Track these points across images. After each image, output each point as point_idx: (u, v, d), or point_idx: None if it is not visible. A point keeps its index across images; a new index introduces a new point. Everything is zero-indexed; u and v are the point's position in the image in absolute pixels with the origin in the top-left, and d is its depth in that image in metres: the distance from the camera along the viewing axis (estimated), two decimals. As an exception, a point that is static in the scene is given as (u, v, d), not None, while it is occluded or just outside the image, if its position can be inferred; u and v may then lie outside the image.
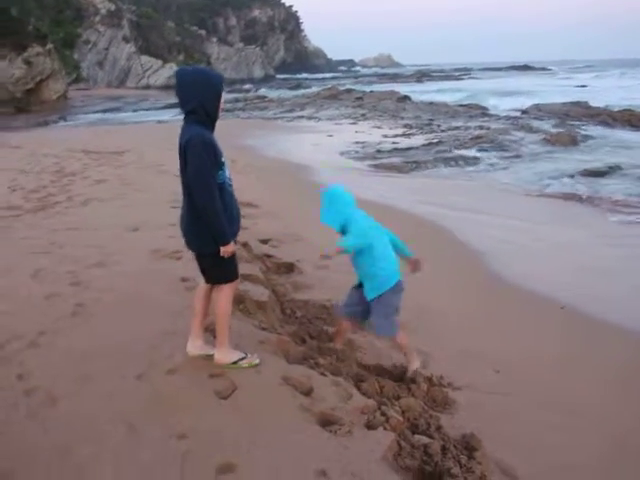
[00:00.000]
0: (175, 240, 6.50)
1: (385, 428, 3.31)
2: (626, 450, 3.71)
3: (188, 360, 3.84)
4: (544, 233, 8.99)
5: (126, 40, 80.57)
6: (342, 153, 17.88)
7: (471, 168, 15.72)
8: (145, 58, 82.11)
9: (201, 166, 3.44)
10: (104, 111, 43.54)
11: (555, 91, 46.46)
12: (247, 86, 64.08)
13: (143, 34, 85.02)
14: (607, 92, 43.27)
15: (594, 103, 30.44)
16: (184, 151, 3.50)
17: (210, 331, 4.09)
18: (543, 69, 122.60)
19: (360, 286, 4.33)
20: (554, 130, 21.71)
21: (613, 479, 3.46)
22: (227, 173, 3.66)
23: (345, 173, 14.32)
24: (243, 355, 3.81)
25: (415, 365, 4.35)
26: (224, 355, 3.78)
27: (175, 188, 7.97)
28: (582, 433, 3.86)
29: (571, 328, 5.61)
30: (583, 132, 21.60)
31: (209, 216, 3.48)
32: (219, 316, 3.79)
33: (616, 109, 27.19)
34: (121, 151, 15.71)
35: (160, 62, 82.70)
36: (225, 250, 3.56)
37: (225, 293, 3.75)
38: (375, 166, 15.73)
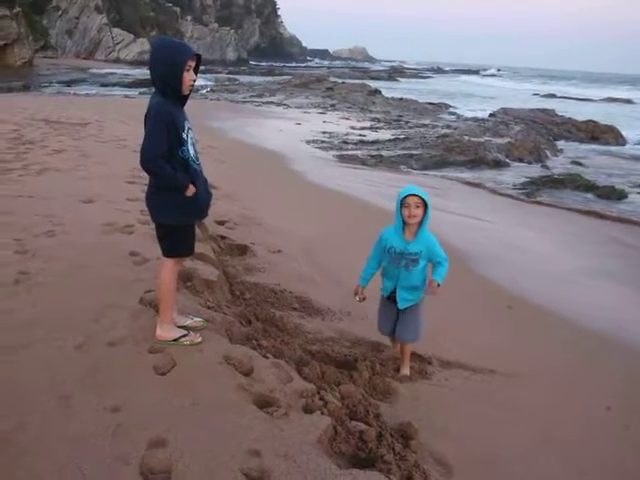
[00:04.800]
0: (129, 214, 6.43)
1: (322, 413, 3.30)
2: (552, 443, 3.80)
3: (129, 334, 3.78)
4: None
5: (98, 10, 78.90)
6: (308, 141, 17.86)
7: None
8: (117, 31, 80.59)
9: (151, 131, 3.41)
10: (70, 82, 42.56)
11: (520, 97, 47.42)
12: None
13: (116, 6, 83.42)
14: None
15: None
16: (146, 118, 3.48)
17: (154, 307, 4.05)
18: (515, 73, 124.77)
19: (389, 298, 4.33)
20: (520, 136, 21.96)
21: (538, 469, 3.53)
22: (192, 152, 3.61)
23: (309, 161, 14.30)
24: (185, 332, 3.77)
25: (405, 371, 4.40)
26: (166, 332, 3.73)
27: (134, 164, 7.87)
28: (513, 426, 3.94)
29: (518, 325, 5.71)
30: (548, 141, 21.91)
31: (157, 175, 3.47)
32: (160, 292, 3.76)
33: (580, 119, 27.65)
34: (84, 123, 15.36)
35: (132, 36, 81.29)
36: (188, 192, 3.53)
37: (167, 268, 3.71)
38: (340, 157, 15.74)
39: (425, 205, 4.01)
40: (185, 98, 3.60)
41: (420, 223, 4.06)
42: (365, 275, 4.32)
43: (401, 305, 4.25)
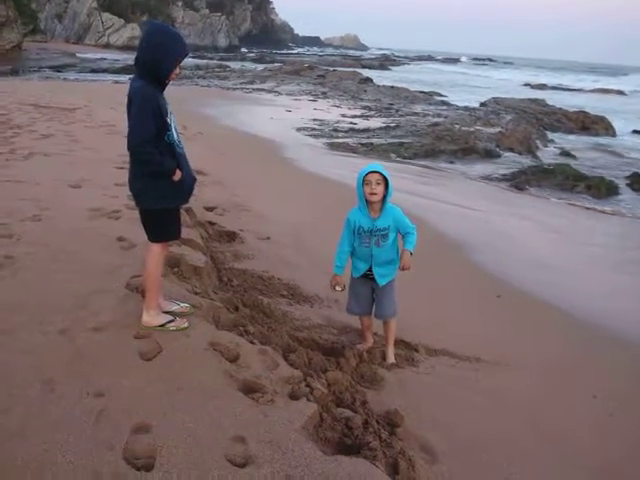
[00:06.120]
0: (116, 200, 6.38)
1: (308, 399, 3.30)
2: (537, 430, 3.82)
3: (115, 319, 3.76)
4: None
5: (88, -6, 77.94)
6: (299, 129, 17.80)
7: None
8: (107, 15, 79.58)
9: (139, 115, 3.38)
10: (60, 66, 42.11)
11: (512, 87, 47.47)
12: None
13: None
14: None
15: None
16: (130, 102, 3.45)
17: (140, 292, 4.02)
18: (506, 63, 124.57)
19: (364, 276, 4.32)
20: (510, 126, 21.91)
21: (523, 456, 3.54)
22: (176, 136, 3.59)
23: (299, 149, 14.25)
24: (171, 318, 3.75)
25: (392, 359, 4.39)
26: (152, 317, 3.71)
27: (123, 149, 7.83)
28: (499, 413, 3.96)
29: (507, 314, 5.72)
30: (538, 131, 21.85)
31: (146, 160, 3.45)
32: (147, 277, 3.74)
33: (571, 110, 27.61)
34: (73, 108, 15.22)
35: (122, 21, 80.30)
36: (175, 177, 3.52)
37: (154, 253, 3.69)
38: (330, 144, 15.70)
39: (386, 182, 4.05)
40: (165, 85, 3.58)
41: (383, 200, 4.10)
42: (340, 262, 4.30)
43: (381, 282, 4.27)
